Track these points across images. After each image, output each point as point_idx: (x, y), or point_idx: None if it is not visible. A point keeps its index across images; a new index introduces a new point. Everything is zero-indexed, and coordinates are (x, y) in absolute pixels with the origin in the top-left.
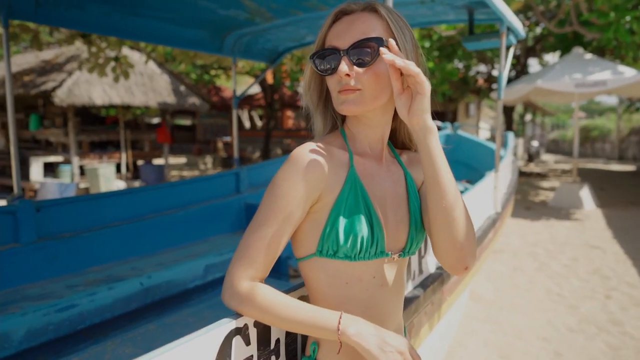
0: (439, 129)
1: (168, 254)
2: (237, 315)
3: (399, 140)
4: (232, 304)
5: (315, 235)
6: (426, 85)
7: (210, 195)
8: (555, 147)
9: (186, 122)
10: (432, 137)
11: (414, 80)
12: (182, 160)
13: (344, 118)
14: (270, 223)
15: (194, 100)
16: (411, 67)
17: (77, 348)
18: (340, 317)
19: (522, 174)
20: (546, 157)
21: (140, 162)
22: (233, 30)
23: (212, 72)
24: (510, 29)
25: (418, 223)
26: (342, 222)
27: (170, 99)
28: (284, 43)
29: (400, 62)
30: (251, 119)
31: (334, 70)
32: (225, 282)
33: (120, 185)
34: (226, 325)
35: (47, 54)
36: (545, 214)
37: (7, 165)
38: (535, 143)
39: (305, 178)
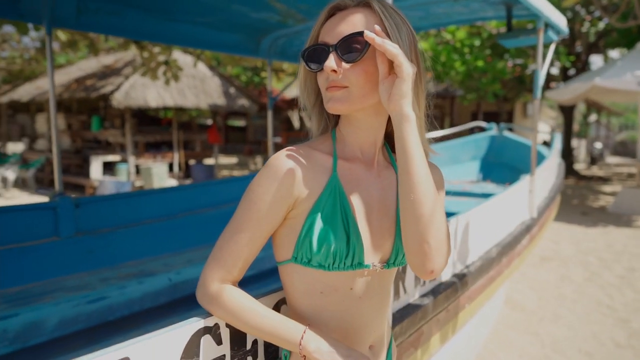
0: (483, 129)
1: (200, 252)
2: (207, 314)
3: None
4: (203, 304)
5: (291, 241)
6: (405, 69)
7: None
8: (623, 149)
9: (239, 123)
10: (407, 124)
11: (395, 64)
12: (233, 160)
13: (337, 119)
14: (243, 227)
15: (243, 101)
16: (388, 46)
17: (106, 338)
18: (304, 332)
19: (582, 177)
20: (612, 159)
21: (191, 162)
22: (268, 33)
23: (263, 74)
24: (549, 25)
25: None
26: (316, 230)
27: (221, 100)
28: None
29: (380, 40)
30: (301, 119)
31: (321, 66)
32: (199, 282)
33: (172, 183)
34: (194, 323)
35: (108, 59)
36: (602, 221)
37: (72, 163)
38: (598, 145)
39: (279, 184)
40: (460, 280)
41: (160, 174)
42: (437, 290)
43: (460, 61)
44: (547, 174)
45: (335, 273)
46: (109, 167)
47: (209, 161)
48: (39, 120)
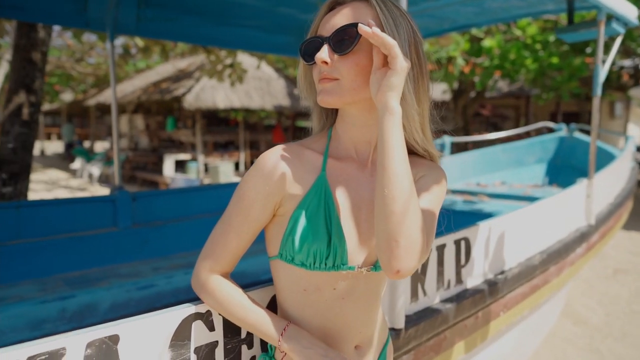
0: (551, 130)
1: (251, 247)
2: (199, 301)
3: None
4: (195, 291)
5: (278, 238)
6: (399, 61)
7: None
8: None
9: (308, 124)
10: (389, 117)
11: (389, 55)
12: None
13: (335, 118)
14: (230, 222)
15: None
16: (380, 35)
17: None
18: (284, 330)
19: None
20: None
21: None
22: None
23: None
24: (613, 17)
25: None
26: (299, 228)
27: (285, 101)
28: None
29: (369, 29)
30: None
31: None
32: (193, 271)
33: (236, 181)
34: (185, 309)
35: (182, 63)
36: None
37: (149, 161)
38: None
39: (265, 181)
40: (491, 286)
41: (227, 172)
42: (463, 296)
43: (532, 58)
44: (613, 178)
45: (318, 272)
46: (180, 165)
47: None
48: (121, 121)
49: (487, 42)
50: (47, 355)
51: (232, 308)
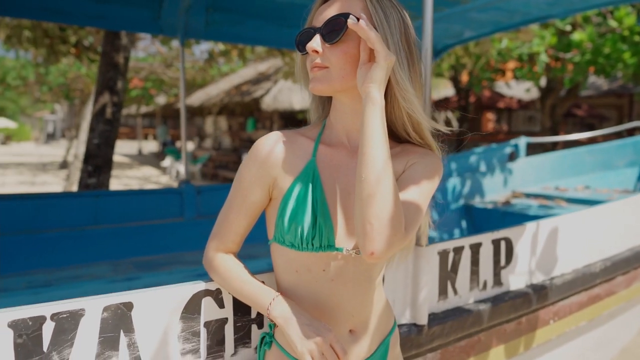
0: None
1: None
2: (210, 279)
3: (398, 134)
4: (205, 269)
5: (273, 221)
6: (382, 55)
7: None
8: None
9: None
10: (370, 107)
11: (375, 50)
12: None
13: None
14: (231, 203)
15: None
16: (365, 29)
17: None
18: (273, 299)
19: None
20: None
21: None
22: None
23: None
24: None
25: None
26: (288, 210)
27: None
28: (441, 40)
29: (355, 22)
30: (448, 122)
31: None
32: (204, 251)
33: None
34: (195, 285)
35: (262, 66)
36: None
37: (230, 160)
38: None
39: (258, 165)
40: (538, 291)
41: None
42: (501, 298)
43: (630, 52)
44: None
45: (308, 254)
46: None
47: None
48: (207, 123)
49: (577, 36)
50: (68, 314)
51: (231, 281)
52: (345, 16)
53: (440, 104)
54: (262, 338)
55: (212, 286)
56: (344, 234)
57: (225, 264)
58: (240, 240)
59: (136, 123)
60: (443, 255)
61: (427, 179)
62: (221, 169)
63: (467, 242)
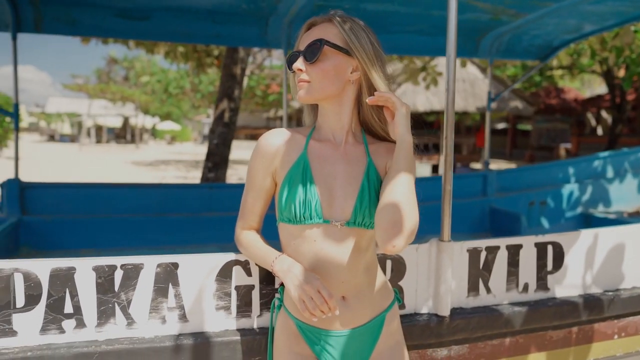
0: None
1: None
2: (238, 251)
3: (377, 133)
4: (236, 244)
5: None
6: (398, 103)
7: (452, 194)
8: None
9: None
10: (407, 146)
11: (390, 104)
12: (502, 165)
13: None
14: (247, 189)
15: (516, 103)
16: (380, 96)
17: None
18: (276, 257)
19: None
20: None
21: (459, 165)
22: (484, 32)
23: (548, 73)
24: None
25: (365, 198)
26: (285, 192)
27: (492, 103)
28: (558, 36)
29: (377, 97)
30: (600, 122)
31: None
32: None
33: None
34: (227, 255)
35: (389, 69)
36: None
37: None
38: None
39: (262, 156)
40: (592, 302)
41: (424, 174)
42: (544, 303)
43: None
44: None
45: (302, 226)
46: None
47: (476, 165)
48: None
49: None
50: (132, 266)
51: (250, 248)
52: (320, 42)
53: (589, 104)
54: (274, 302)
55: (241, 257)
56: (331, 208)
57: (247, 237)
58: (259, 219)
59: (275, 125)
60: (474, 253)
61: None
62: None
63: (503, 242)
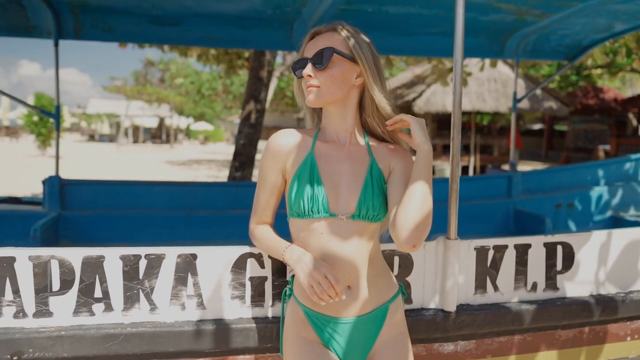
0: None
1: None
2: (252, 244)
3: (376, 133)
4: (250, 238)
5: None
6: (413, 120)
7: (476, 195)
8: None
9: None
10: (427, 156)
11: (404, 120)
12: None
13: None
14: (259, 187)
15: (550, 104)
16: (395, 119)
17: None
18: (286, 247)
19: None
20: None
21: (489, 167)
22: (510, 33)
23: (586, 72)
24: None
25: (368, 193)
26: (294, 188)
27: (524, 104)
28: (588, 36)
29: (390, 122)
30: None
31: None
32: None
33: None
34: (242, 247)
35: (419, 69)
36: None
37: None
38: None
39: (272, 155)
40: (604, 303)
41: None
42: (553, 302)
43: None
44: None
45: (310, 220)
46: None
47: (507, 167)
48: None
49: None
50: (155, 256)
51: (263, 241)
52: (330, 49)
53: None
54: (284, 291)
55: (255, 250)
56: (337, 203)
57: (261, 231)
58: (271, 214)
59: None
60: (481, 251)
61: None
62: None
63: (511, 241)
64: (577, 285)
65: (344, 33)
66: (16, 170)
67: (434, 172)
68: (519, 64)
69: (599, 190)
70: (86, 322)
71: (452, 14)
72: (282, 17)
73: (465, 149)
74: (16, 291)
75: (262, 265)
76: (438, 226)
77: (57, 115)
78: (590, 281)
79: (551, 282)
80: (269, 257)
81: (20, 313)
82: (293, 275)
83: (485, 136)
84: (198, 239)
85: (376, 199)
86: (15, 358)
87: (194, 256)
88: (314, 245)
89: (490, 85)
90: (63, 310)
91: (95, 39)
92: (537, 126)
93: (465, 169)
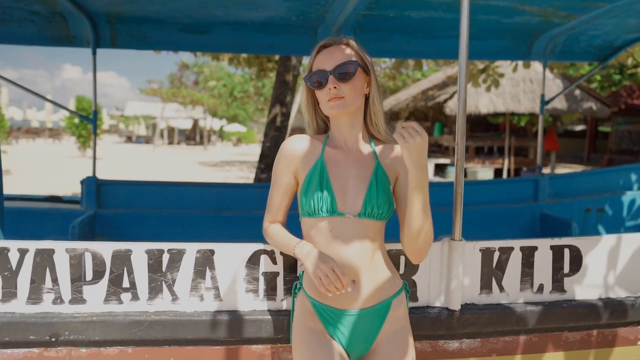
0: None
1: None
2: (266, 242)
3: (374, 134)
4: (263, 236)
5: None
6: (400, 143)
7: (502, 198)
8: None
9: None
10: (424, 182)
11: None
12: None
13: (328, 123)
14: (273, 187)
15: (590, 104)
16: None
17: None
18: (297, 243)
19: None
20: None
21: (524, 169)
22: (540, 34)
23: (631, 71)
24: None
25: (373, 193)
26: (305, 190)
27: (561, 104)
28: (620, 36)
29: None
30: None
31: (323, 85)
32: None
33: None
34: (256, 244)
35: (452, 70)
36: None
37: None
38: None
39: (284, 159)
40: (612, 307)
41: (485, 178)
42: (559, 305)
43: None
44: None
45: (319, 219)
46: (441, 169)
47: (544, 170)
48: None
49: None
50: (176, 251)
51: (275, 237)
52: (355, 63)
53: None
54: (295, 285)
55: (268, 247)
56: (344, 203)
57: (273, 229)
58: (283, 213)
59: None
60: (487, 253)
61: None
62: None
63: (517, 244)
64: (585, 288)
65: (355, 46)
66: (58, 171)
67: (465, 175)
68: (546, 65)
69: (632, 195)
70: (115, 310)
71: (476, 18)
72: (306, 23)
73: (500, 152)
74: (55, 280)
75: (274, 262)
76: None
77: (94, 120)
78: (598, 284)
79: (558, 284)
80: (281, 253)
81: (58, 299)
82: (303, 271)
83: (520, 138)
84: (225, 239)
85: (380, 198)
86: (53, 339)
87: (212, 252)
88: (323, 242)
89: (526, 86)
90: (95, 298)
91: (131, 47)
92: (579, 127)
93: (499, 172)
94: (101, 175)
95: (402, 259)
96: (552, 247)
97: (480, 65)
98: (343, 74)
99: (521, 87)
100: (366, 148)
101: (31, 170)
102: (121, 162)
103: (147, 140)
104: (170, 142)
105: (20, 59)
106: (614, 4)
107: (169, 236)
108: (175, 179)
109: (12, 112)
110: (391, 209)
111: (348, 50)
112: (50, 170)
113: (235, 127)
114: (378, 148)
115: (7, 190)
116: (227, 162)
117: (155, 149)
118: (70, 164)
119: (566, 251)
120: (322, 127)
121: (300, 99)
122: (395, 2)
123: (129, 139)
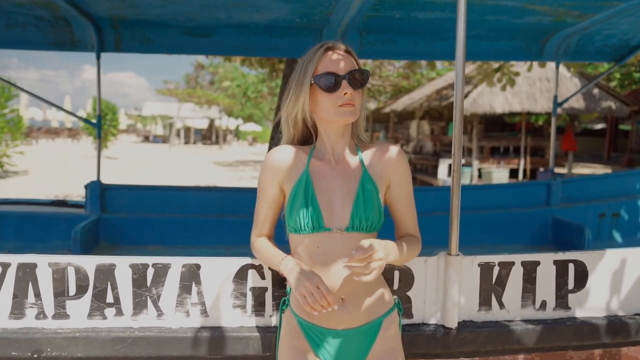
0: None
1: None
2: (254, 256)
3: (362, 138)
4: (251, 250)
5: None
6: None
7: (513, 203)
8: None
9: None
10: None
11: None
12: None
13: (317, 133)
14: (258, 201)
15: (609, 103)
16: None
17: None
18: (282, 259)
19: None
20: None
21: (540, 170)
22: (553, 34)
23: None
24: None
25: (360, 206)
26: (291, 205)
27: (579, 103)
28: (636, 35)
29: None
30: None
31: (334, 89)
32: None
33: None
34: (244, 259)
35: (467, 70)
36: None
37: (429, 164)
38: None
39: (268, 171)
40: (617, 325)
41: (500, 178)
42: (562, 322)
43: None
44: None
45: (306, 235)
46: None
47: (560, 170)
48: (411, 126)
49: None
50: (161, 265)
51: (261, 252)
52: (367, 72)
53: None
54: (283, 301)
55: (256, 262)
56: (331, 218)
57: (260, 243)
58: (270, 226)
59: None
60: (485, 268)
61: (411, 189)
62: (420, 172)
63: (518, 258)
64: (590, 305)
65: (355, 56)
66: (74, 170)
67: (480, 176)
68: (559, 66)
69: None
70: (99, 325)
71: (485, 18)
72: (310, 25)
73: (516, 152)
74: (37, 294)
75: (262, 277)
76: (468, 235)
77: (99, 124)
78: (605, 301)
79: (562, 301)
80: (269, 268)
81: (41, 314)
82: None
83: (537, 138)
84: (228, 244)
85: (368, 210)
86: (35, 356)
87: (198, 266)
88: (311, 258)
89: (543, 85)
90: (78, 313)
91: (135, 51)
92: (599, 126)
93: (514, 172)
94: (117, 174)
95: (396, 274)
96: (555, 262)
97: (495, 64)
98: (357, 80)
99: (537, 86)
100: (353, 158)
101: (48, 170)
102: (138, 161)
103: (164, 139)
104: (187, 142)
105: (41, 60)
106: (629, 3)
107: (173, 240)
108: (189, 179)
109: (32, 112)
110: (381, 219)
111: (353, 59)
112: (67, 170)
113: (251, 127)
114: (366, 156)
115: (22, 191)
116: (242, 161)
117: (172, 148)
118: (86, 164)
119: (571, 266)
120: (302, 136)
121: (288, 101)
122: (400, 3)
123: (146, 139)
